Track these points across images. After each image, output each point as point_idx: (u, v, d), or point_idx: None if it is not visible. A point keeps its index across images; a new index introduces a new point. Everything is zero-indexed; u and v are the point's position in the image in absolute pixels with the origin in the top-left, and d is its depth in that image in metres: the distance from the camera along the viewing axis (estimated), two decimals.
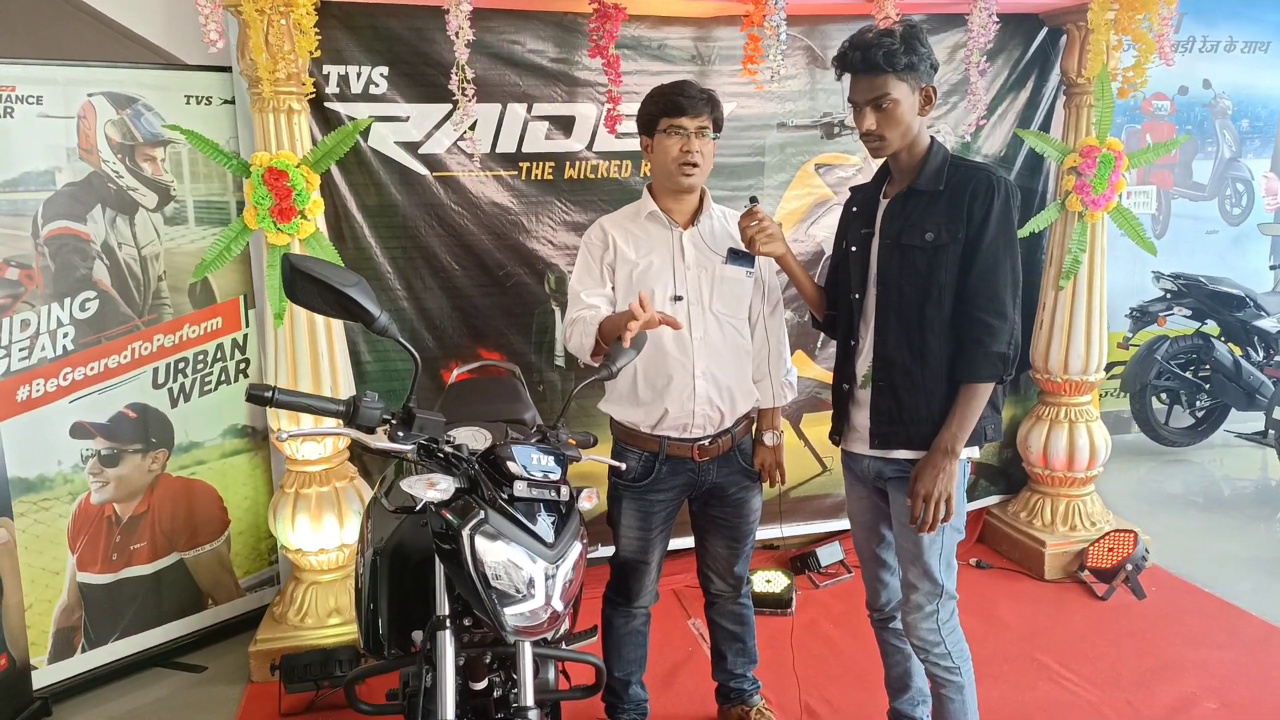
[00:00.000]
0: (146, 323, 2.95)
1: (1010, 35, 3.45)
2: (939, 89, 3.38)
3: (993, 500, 3.95)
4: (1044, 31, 3.50)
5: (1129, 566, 3.41)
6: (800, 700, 2.75)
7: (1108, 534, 3.50)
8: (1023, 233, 3.46)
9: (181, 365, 3.04)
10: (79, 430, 2.84)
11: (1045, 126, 3.61)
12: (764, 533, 3.35)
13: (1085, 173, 3.31)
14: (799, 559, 3.67)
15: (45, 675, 2.84)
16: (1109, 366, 5.26)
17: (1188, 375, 5.13)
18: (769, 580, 3.39)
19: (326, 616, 3.00)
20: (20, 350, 2.71)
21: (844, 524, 3.49)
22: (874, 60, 1.91)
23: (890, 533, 2.21)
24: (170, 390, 3.03)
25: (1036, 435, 3.65)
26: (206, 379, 3.10)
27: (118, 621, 2.99)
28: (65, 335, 2.79)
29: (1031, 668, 2.95)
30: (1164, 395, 5.22)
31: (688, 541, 2.61)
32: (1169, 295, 5.13)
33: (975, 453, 2.09)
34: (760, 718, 2.57)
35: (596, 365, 1.98)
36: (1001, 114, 3.56)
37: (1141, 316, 5.12)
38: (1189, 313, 5.15)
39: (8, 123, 2.63)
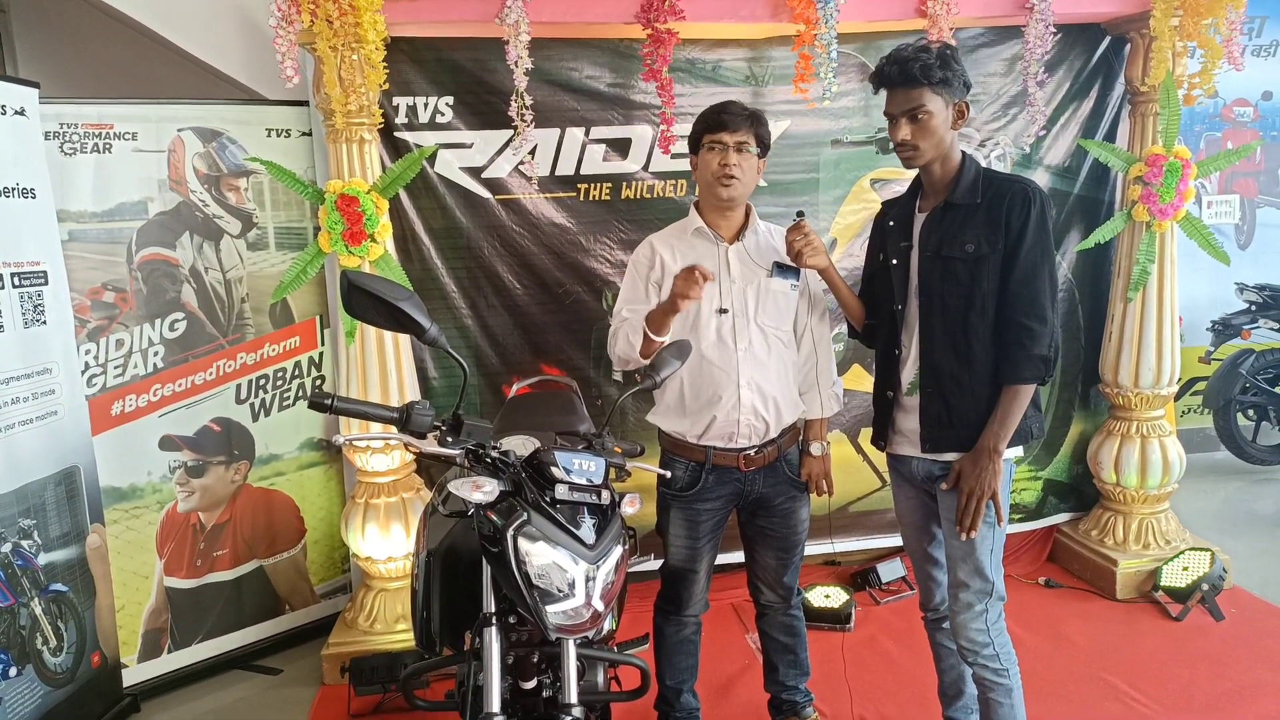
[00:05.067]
0: (230, 342, 3.14)
1: (1071, 45, 3.42)
2: (999, 100, 3.42)
3: (1063, 518, 3.86)
4: (1106, 41, 3.45)
5: (1205, 586, 3.29)
6: (855, 714, 2.74)
7: (1182, 553, 3.39)
8: (1088, 243, 3.44)
9: (262, 382, 3.22)
10: (167, 443, 3.04)
11: (1111, 136, 3.55)
12: (816, 548, 3.36)
13: (1151, 182, 3.24)
14: (860, 575, 3.65)
15: (134, 674, 3.03)
16: (1191, 383, 5.12)
17: (1276, 390, 4.92)
18: (828, 595, 3.38)
19: (394, 622, 3.12)
20: (115, 367, 2.92)
21: None
22: (910, 73, 1.98)
23: (940, 531, 2.24)
24: (252, 405, 3.21)
25: (1108, 451, 3.56)
26: (285, 395, 3.27)
27: (201, 624, 3.17)
28: (156, 354, 2.99)
29: (1098, 687, 2.87)
30: (1250, 411, 5.01)
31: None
32: (1254, 307, 4.94)
33: (1019, 451, 2.14)
34: None
35: (643, 371, 2.06)
36: (1064, 124, 3.51)
37: (1224, 330, 4.94)
38: (1276, 325, 4.94)
39: (106, 157, 2.85)
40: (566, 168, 3.24)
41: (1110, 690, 2.85)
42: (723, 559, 2.57)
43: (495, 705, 1.67)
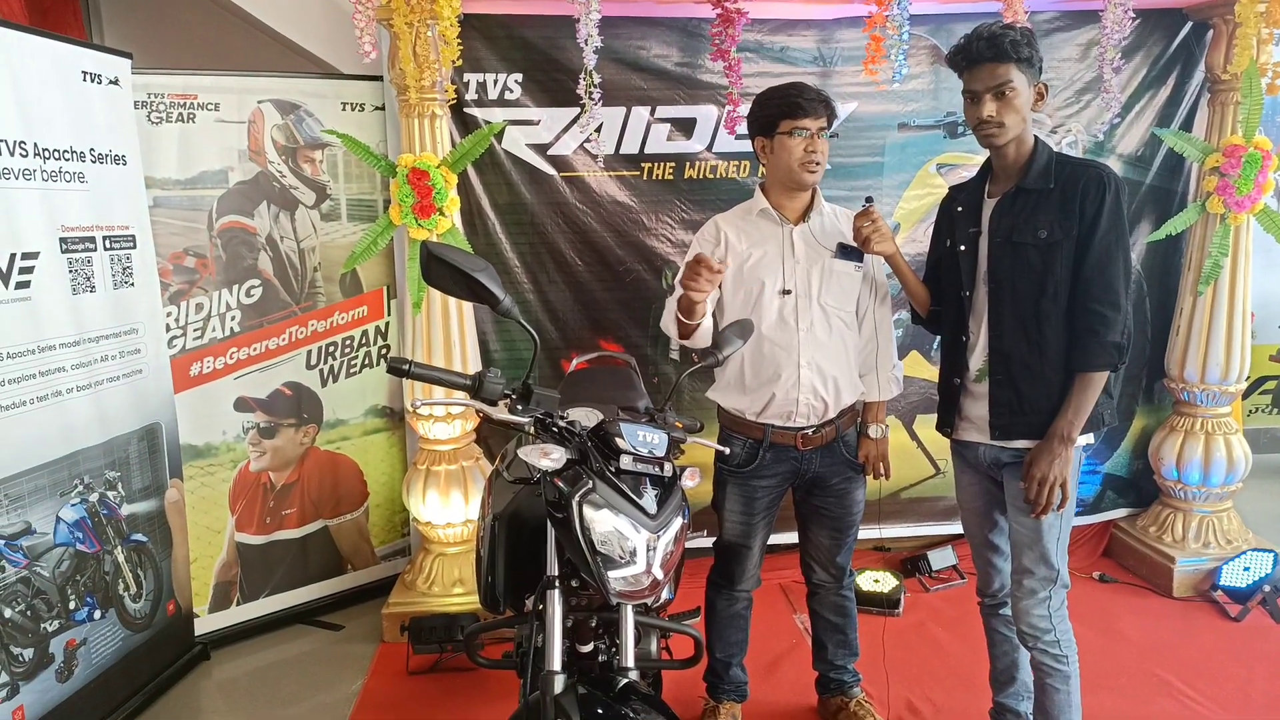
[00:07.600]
0: (303, 309, 3.24)
1: (1150, 31, 3.34)
2: (1073, 86, 3.36)
3: (1120, 514, 3.81)
4: (1188, 26, 3.36)
5: (1266, 588, 3.23)
6: (901, 697, 2.76)
7: (1244, 553, 3.33)
8: (1159, 235, 3.37)
9: (331, 349, 3.32)
10: (241, 404, 3.16)
11: (1187, 125, 3.46)
12: (867, 533, 3.36)
13: (1229, 173, 3.16)
14: (910, 561, 3.65)
15: (205, 623, 3.17)
16: (1260, 381, 4.98)
17: None
18: (877, 580, 3.39)
19: (451, 585, 3.22)
20: (194, 330, 3.04)
21: (956, 528, 3.46)
22: (1001, 48, 1.97)
23: (1003, 518, 2.23)
24: (321, 371, 3.31)
25: (1170, 447, 3.50)
26: (353, 362, 3.38)
27: (269, 579, 3.30)
28: (233, 318, 3.11)
29: (1151, 683, 2.85)
30: None
31: (796, 537, 2.64)
32: None
33: (1091, 439, 2.12)
34: (860, 709, 2.59)
35: (692, 348, 2.09)
36: (1139, 112, 3.43)
37: None
38: None
39: (189, 127, 2.96)
40: (631, 146, 3.27)
41: (1164, 686, 2.83)
42: (774, 539, 2.60)
43: (556, 664, 1.73)
